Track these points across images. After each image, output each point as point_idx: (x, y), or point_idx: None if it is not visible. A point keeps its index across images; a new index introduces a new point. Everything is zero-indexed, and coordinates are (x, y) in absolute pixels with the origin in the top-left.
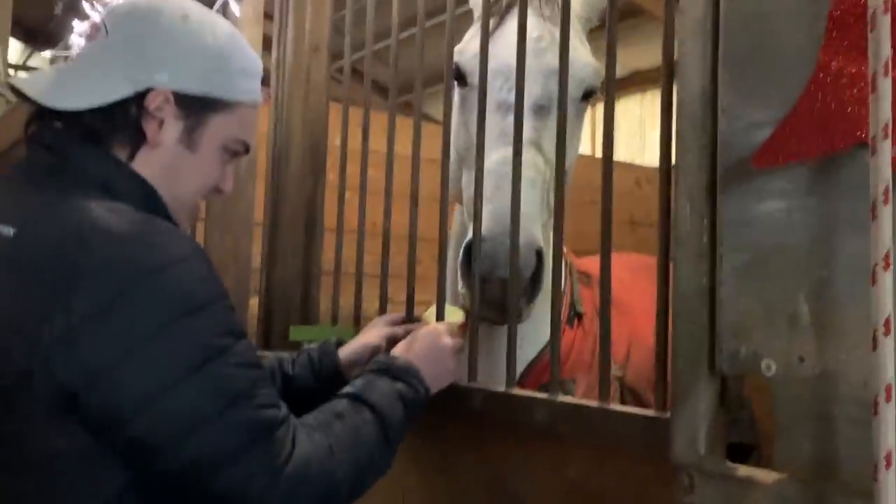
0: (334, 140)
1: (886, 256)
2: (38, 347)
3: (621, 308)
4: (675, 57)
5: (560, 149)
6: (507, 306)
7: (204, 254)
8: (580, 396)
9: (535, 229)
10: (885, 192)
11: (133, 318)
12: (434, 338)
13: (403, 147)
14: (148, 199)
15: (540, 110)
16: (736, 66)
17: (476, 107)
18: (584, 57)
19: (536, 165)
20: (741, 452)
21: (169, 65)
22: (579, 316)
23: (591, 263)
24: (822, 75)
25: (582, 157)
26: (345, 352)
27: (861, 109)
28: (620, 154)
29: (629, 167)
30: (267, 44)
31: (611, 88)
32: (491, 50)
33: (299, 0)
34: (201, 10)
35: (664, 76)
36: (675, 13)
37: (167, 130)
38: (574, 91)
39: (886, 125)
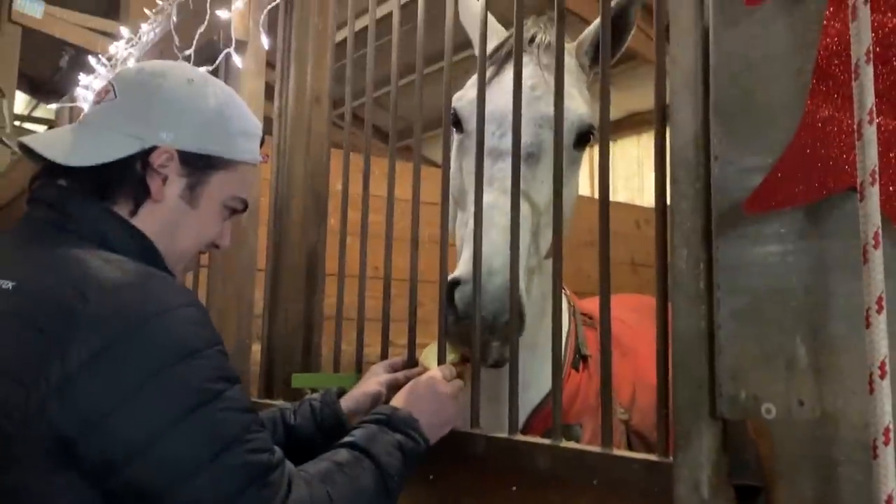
0: (335, 186)
1: (879, 300)
2: (35, 397)
3: (625, 350)
4: (668, 102)
5: (557, 195)
6: (482, 347)
7: (198, 301)
8: (587, 440)
9: (513, 274)
10: (875, 236)
11: (127, 366)
12: (433, 386)
13: (404, 191)
14: (145, 251)
15: (529, 158)
16: (726, 114)
17: (469, 151)
18: (577, 105)
19: (521, 212)
20: (749, 494)
21: (173, 125)
22: (584, 359)
23: (594, 305)
24: (810, 123)
25: (581, 198)
26: (346, 401)
27: (849, 155)
28: (619, 195)
29: (628, 208)
30: (269, 93)
31: (605, 131)
32: (487, 97)
33: (301, 52)
34: (204, 75)
35: (657, 122)
36: (667, 62)
37: (170, 186)
38: (567, 138)
39: (873, 171)
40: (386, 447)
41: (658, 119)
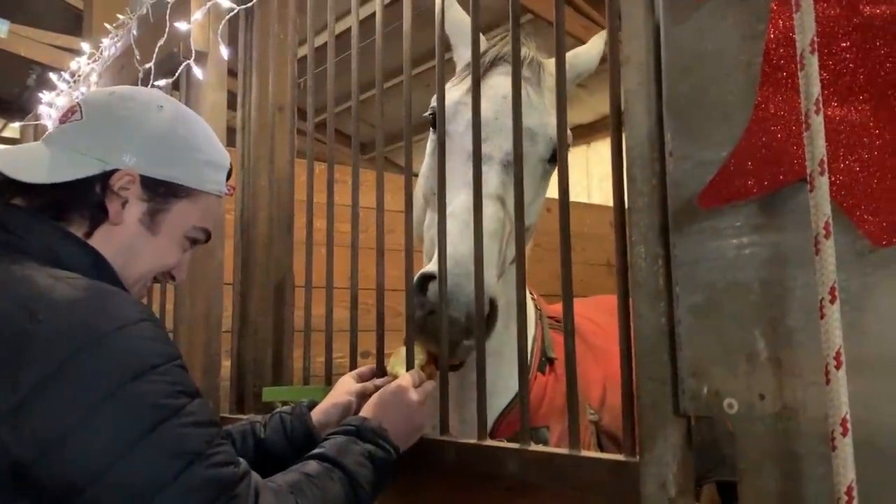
0: (300, 196)
1: (832, 290)
2: None
3: (597, 352)
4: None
5: (518, 205)
6: (452, 346)
7: (153, 315)
8: (555, 443)
9: (491, 279)
10: (826, 226)
11: (82, 385)
12: (402, 394)
13: (369, 200)
14: (96, 265)
15: (508, 165)
16: (679, 109)
17: (446, 155)
18: (553, 119)
19: (498, 219)
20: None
21: (137, 148)
22: (551, 361)
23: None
24: (760, 115)
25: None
26: (316, 414)
27: (799, 147)
28: (594, 197)
29: (604, 210)
30: (233, 103)
31: (562, 138)
32: (466, 101)
33: (262, 61)
34: (176, 102)
35: (612, 121)
36: (621, 60)
37: (130, 210)
38: (543, 151)
39: (822, 161)
40: (356, 457)
41: (614, 117)
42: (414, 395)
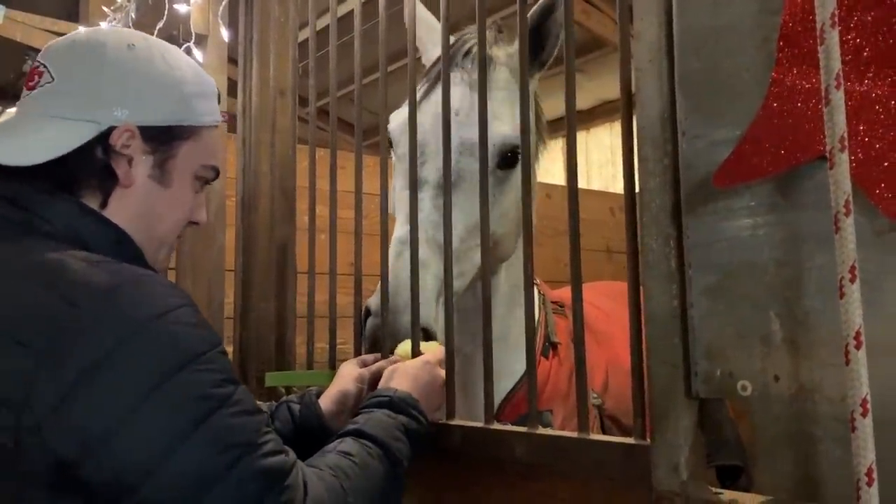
0: (302, 182)
1: (852, 269)
2: (28, 419)
3: (599, 336)
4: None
5: (526, 205)
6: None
7: (189, 298)
8: (558, 426)
9: (425, 309)
10: (846, 204)
11: (127, 378)
12: (430, 367)
13: (372, 186)
14: (120, 244)
15: (454, 179)
16: (692, 87)
17: (399, 175)
18: (500, 127)
19: (429, 248)
20: (731, 474)
21: (127, 99)
22: (554, 346)
23: (569, 294)
24: (776, 92)
25: (557, 187)
26: (324, 402)
27: (818, 123)
28: (593, 183)
29: (603, 195)
30: (233, 89)
31: (571, 120)
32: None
33: (262, 44)
34: (144, 37)
35: (623, 101)
36: (631, 39)
37: (137, 167)
38: (490, 161)
39: (842, 137)
40: (392, 432)
41: (624, 98)
42: (440, 370)
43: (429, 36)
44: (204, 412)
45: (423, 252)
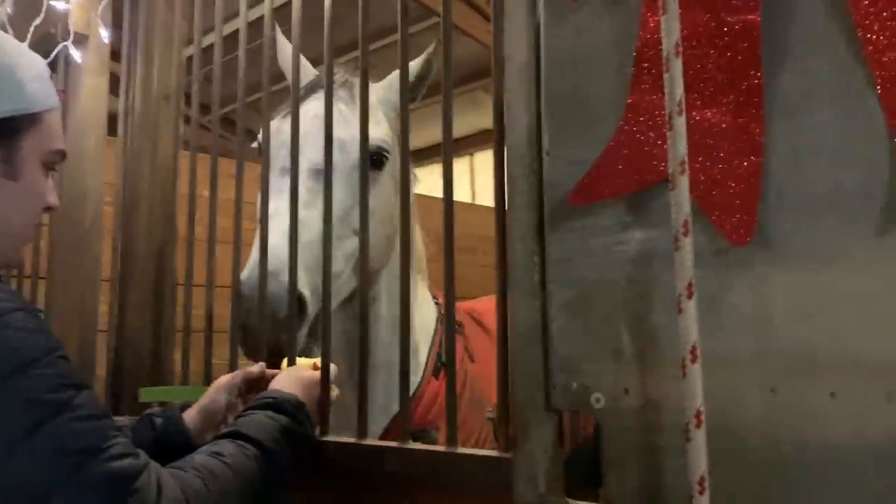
0: (184, 190)
1: (689, 286)
2: None
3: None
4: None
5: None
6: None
7: (26, 303)
8: (443, 442)
9: (291, 276)
10: (685, 224)
11: None
12: (311, 373)
13: (255, 195)
14: None
15: (317, 174)
16: (557, 109)
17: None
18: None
19: (303, 222)
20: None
21: None
22: (445, 365)
23: (481, 306)
24: (630, 116)
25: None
26: (191, 413)
27: (665, 147)
28: (486, 199)
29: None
30: (113, 87)
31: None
32: (282, 127)
33: (147, 47)
34: None
35: (495, 121)
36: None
37: None
38: (354, 158)
39: (683, 161)
40: (272, 433)
41: (496, 118)
42: (316, 374)
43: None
44: (40, 417)
45: (297, 228)
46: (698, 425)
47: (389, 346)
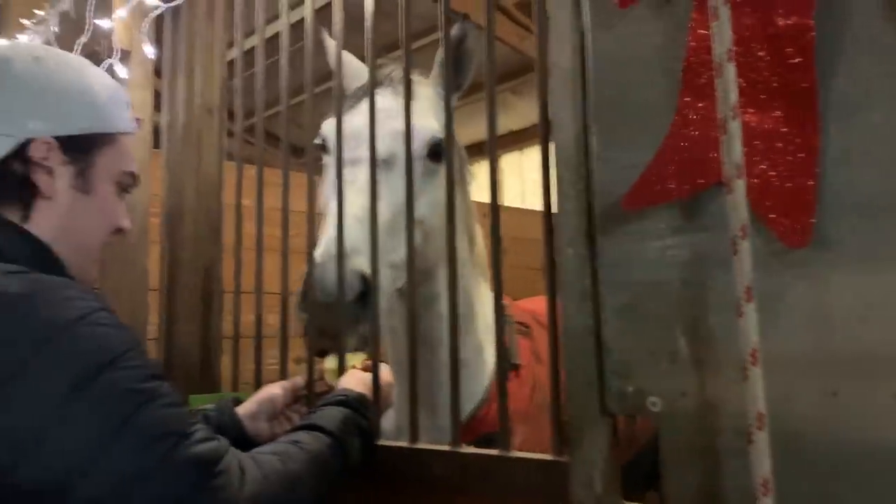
0: (229, 199)
1: (748, 290)
2: None
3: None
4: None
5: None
6: (337, 331)
7: (105, 302)
8: (517, 446)
9: (359, 258)
10: (743, 228)
11: (51, 382)
12: (384, 374)
13: (300, 203)
14: (38, 254)
15: (384, 165)
16: (604, 114)
17: (332, 165)
18: (426, 122)
19: (367, 207)
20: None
21: (39, 110)
22: (515, 367)
23: (533, 305)
24: (681, 120)
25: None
26: (246, 404)
27: (717, 151)
28: (529, 200)
29: (539, 214)
30: (157, 102)
31: (492, 146)
32: (347, 120)
33: (189, 61)
34: (47, 48)
35: (541, 125)
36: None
37: (58, 178)
38: (420, 149)
39: (739, 165)
40: (346, 426)
41: (542, 121)
42: (390, 378)
43: (346, 69)
44: (132, 407)
45: (357, 212)
46: (760, 427)
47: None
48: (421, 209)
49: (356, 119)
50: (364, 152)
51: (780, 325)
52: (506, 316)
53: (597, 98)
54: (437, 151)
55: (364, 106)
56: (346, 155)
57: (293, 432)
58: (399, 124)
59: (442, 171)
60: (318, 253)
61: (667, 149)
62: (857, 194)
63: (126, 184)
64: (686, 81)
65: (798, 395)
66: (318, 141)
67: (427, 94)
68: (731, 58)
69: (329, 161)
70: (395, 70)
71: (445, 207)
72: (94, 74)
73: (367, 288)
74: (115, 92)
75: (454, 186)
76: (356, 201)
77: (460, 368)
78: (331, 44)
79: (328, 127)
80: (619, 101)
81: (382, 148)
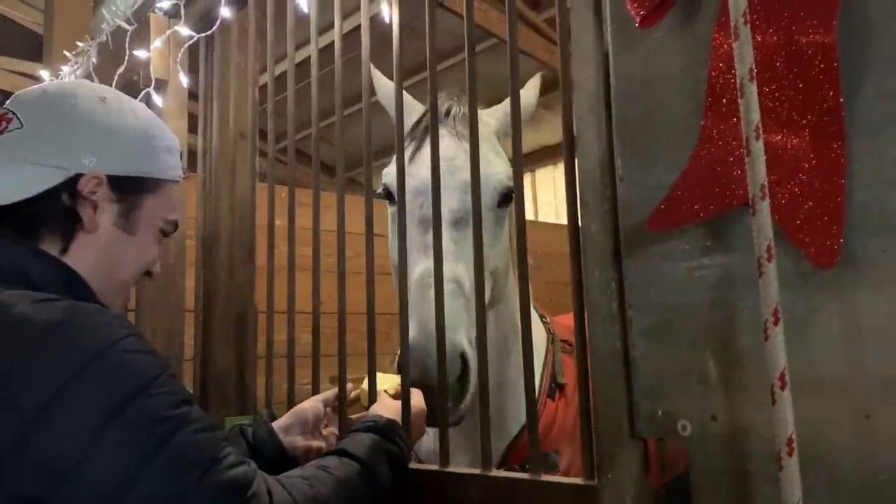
0: (262, 220)
1: (776, 312)
2: None
3: None
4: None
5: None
6: (435, 410)
7: (136, 328)
8: (565, 467)
9: (458, 336)
10: (769, 249)
11: (84, 409)
12: (416, 402)
13: (332, 223)
14: (70, 283)
15: (459, 223)
16: (628, 135)
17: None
18: (495, 169)
19: (456, 276)
20: None
21: (96, 147)
22: (561, 387)
23: (567, 321)
24: (705, 140)
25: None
26: (279, 420)
27: (742, 171)
28: (564, 217)
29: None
30: (192, 126)
31: (518, 166)
32: (412, 171)
33: (223, 89)
34: (114, 91)
35: (566, 147)
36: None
37: (103, 214)
38: (489, 200)
39: (763, 185)
40: (375, 454)
41: (567, 144)
42: (422, 403)
43: (379, 90)
44: (165, 434)
45: (449, 285)
46: (790, 453)
47: (499, 366)
48: (493, 261)
49: (420, 171)
50: (431, 213)
51: (810, 347)
52: (552, 334)
53: (620, 119)
54: (508, 197)
55: (425, 152)
56: (417, 212)
57: (322, 458)
58: (468, 173)
59: (506, 215)
60: (415, 331)
61: (691, 169)
62: (887, 214)
63: (167, 231)
64: (709, 101)
65: (830, 419)
66: (379, 191)
67: (486, 133)
68: (752, 77)
69: (394, 212)
70: (449, 105)
71: (517, 250)
72: (154, 121)
73: (466, 367)
74: (170, 141)
75: (525, 233)
76: (445, 269)
77: (501, 390)
78: (382, 81)
79: (389, 178)
80: (642, 122)
81: (454, 204)
